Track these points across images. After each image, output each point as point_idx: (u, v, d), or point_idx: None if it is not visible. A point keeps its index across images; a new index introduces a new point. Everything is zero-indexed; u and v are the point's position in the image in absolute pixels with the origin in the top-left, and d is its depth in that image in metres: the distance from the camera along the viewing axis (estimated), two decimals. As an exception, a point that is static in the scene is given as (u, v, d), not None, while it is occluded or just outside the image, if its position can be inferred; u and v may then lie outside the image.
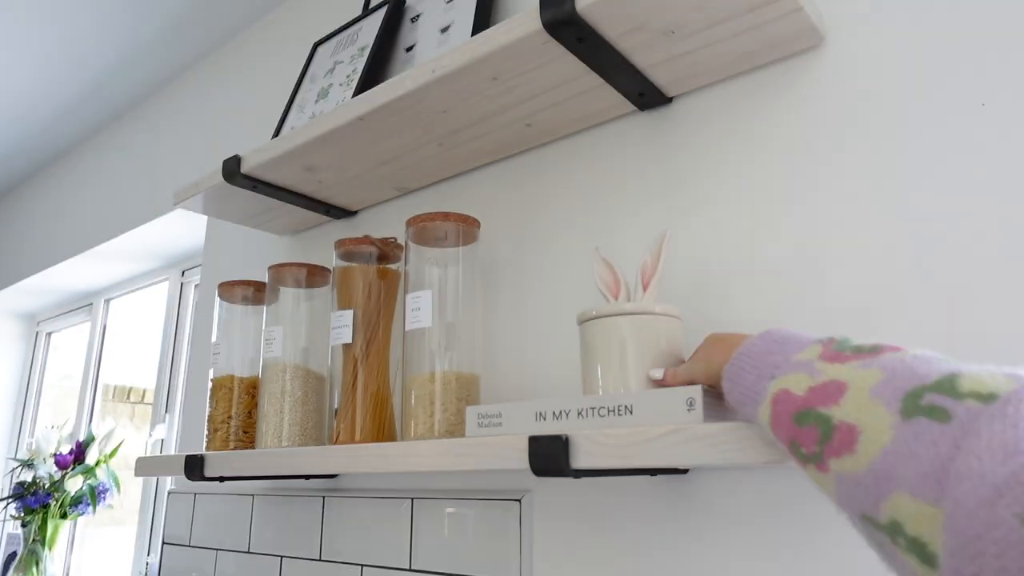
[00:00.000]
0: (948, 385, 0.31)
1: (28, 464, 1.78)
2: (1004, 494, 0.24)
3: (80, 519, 1.98)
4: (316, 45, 1.31)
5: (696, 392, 0.53)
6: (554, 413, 0.60)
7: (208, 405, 1.03)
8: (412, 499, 0.95)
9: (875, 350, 0.38)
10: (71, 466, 1.76)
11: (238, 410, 1.01)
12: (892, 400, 0.33)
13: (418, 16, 1.15)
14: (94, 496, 1.75)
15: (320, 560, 1.05)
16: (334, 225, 1.23)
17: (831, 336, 0.43)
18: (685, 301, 0.76)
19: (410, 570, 0.92)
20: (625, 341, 0.63)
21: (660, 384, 0.60)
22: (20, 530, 1.80)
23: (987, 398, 0.29)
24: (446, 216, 0.84)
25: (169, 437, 1.79)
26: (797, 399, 0.39)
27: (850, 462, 0.33)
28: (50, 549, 1.74)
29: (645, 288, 0.67)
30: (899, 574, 0.32)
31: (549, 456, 0.54)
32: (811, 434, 0.37)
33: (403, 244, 0.88)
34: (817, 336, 0.44)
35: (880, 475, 0.31)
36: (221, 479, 0.90)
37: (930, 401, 0.31)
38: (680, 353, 0.66)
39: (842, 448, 0.34)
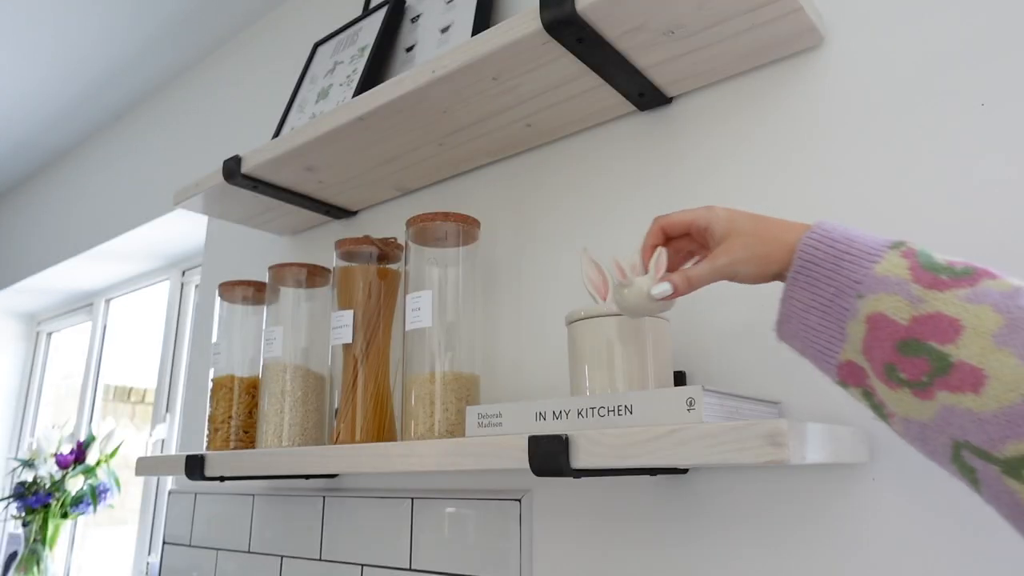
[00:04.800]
0: None
1: (29, 464, 1.78)
2: None
3: (81, 519, 1.98)
4: (316, 45, 1.31)
5: (696, 392, 0.53)
6: (554, 413, 0.60)
7: (208, 405, 1.03)
8: (412, 499, 0.95)
9: (969, 274, 0.40)
10: (72, 466, 1.77)
11: (238, 410, 1.01)
12: None
13: (418, 16, 1.15)
14: (95, 496, 1.76)
15: (320, 560, 1.05)
16: (334, 225, 1.23)
17: (901, 240, 0.44)
18: (678, 301, 0.76)
19: (410, 570, 0.92)
20: (612, 342, 0.63)
21: (671, 298, 0.54)
22: (21, 530, 1.80)
23: None
24: (446, 216, 0.84)
25: (170, 437, 1.79)
26: (900, 327, 0.40)
27: (971, 400, 0.37)
28: (51, 549, 1.75)
29: None
30: (991, 498, 0.38)
31: (549, 456, 0.54)
32: (919, 364, 0.39)
33: (403, 244, 0.89)
34: (879, 236, 0.45)
35: (1017, 419, 0.36)
36: (222, 479, 0.90)
37: None
38: (668, 355, 0.66)
39: (962, 386, 0.38)
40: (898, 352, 0.41)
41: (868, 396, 0.45)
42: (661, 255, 0.55)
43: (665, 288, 0.53)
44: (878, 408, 0.45)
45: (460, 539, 0.88)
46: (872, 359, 0.42)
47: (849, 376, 0.46)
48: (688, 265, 0.59)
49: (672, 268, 0.57)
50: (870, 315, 0.42)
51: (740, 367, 0.71)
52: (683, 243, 0.58)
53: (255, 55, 1.62)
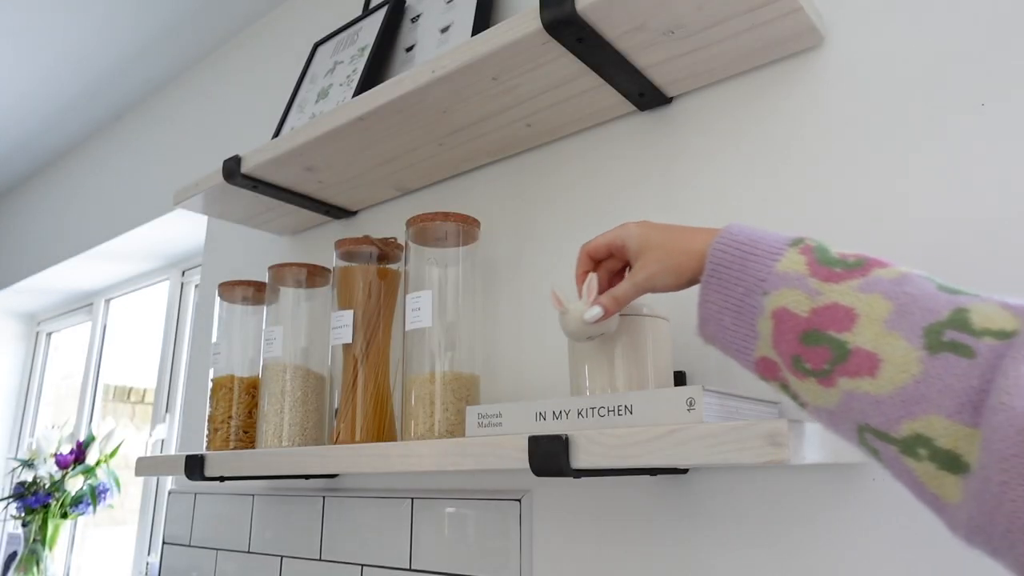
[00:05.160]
0: (962, 321, 0.37)
1: (28, 464, 1.78)
2: None
3: (80, 519, 1.98)
4: (316, 45, 1.31)
5: (696, 392, 0.53)
6: (554, 413, 0.60)
7: (208, 405, 1.03)
8: (412, 499, 0.95)
9: (861, 265, 0.43)
10: (71, 466, 1.76)
11: (238, 410, 1.01)
12: (912, 335, 0.38)
13: (418, 16, 1.15)
14: (94, 496, 1.76)
15: (320, 560, 1.05)
16: (334, 225, 1.23)
17: (800, 238, 0.47)
18: (678, 301, 0.76)
19: (410, 570, 0.92)
20: (612, 342, 0.63)
21: (604, 319, 0.58)
22: (20, 530, 1.80)
23: (999, 335, 0.36)
24: (446, 216, 0.84)
25: (169, 437, 1.79)
26: (801, 319, 0.43)
27: (868, 384, 0.39)
28: (50, 549, 1.75)
29: None
30: (896, 476, 0.40)
31: (549, 456, 0.54)
32: (821, 353, 0.41)
33: (403, 244, 0.89)
34: (781, 235, 0.47)
35: (909, 399, 0.37)
36: (221, 479, 0.90)
37: (952, 338, 0.37)
38: (668, 355, 0.66)
39: (860, 371, 0.39)
40: (801, 343, 0.43)
41: (785, 388, 0.47)
42: (591, 280, 0.59)
43: (596, 311, 0.58)
44: (795, 398, 0.46)
45: (460, 539, 0.88)
46: (781, 352, 0.44)
47: (766, 371, 0.47)
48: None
49: (608, 287, 0.61)
50: (775, 310, 0.44)
51: (740, 367, 0.71)
52: (612, 263, 0.61)
53: (255, 55, 1.62)
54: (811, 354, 0.42)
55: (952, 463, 0.36)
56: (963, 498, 0.35)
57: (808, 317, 0.42)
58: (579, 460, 0.54)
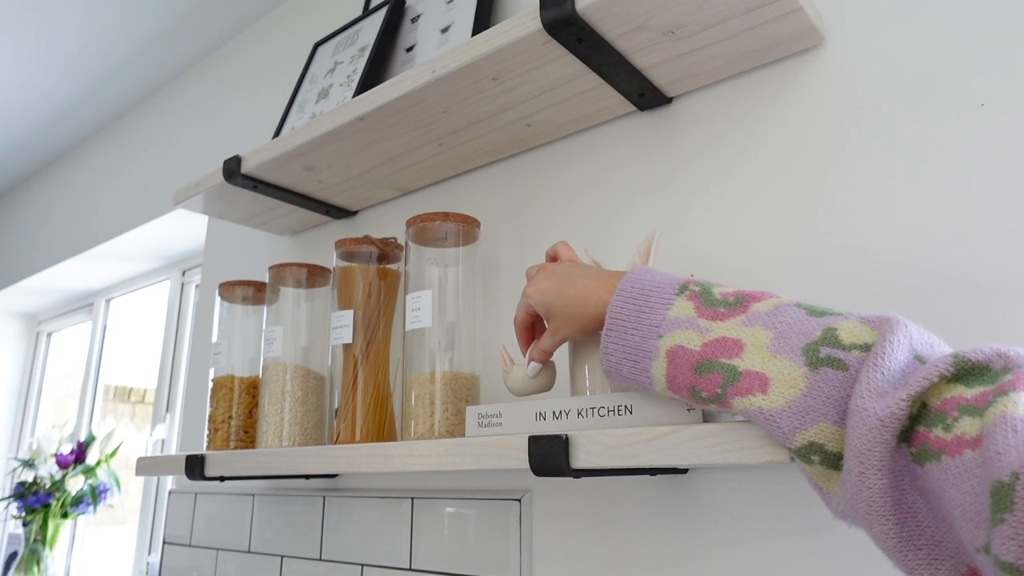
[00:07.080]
0: (832, 339, 0.43)
1: (29, 464, 1.78)
2: (886, 424, 0.36)
3: (81, 519, 1.98)
4: (316, 45, 1.31)
5: (696, 392, 0.53)
6: (554, 413, 0.60)
7: (208, 405, 1.03)
8: (412, 499, 0.95)
9: (741, 303, 0.48)
10: (72, 466, 1.77)
11: (239, 410, 1.01)
12: (794, 356, 0.43)
13: (418, 16, 1.15)
14: (95, 496, 1.76)
15: (320, 560, 1.05)
16: (334, 225, 1.23)
17: (685, 284, 0.52)
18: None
19: (410, 570, 0.93)
20: None
21: (542, 370, 0.64)
22: (21, 530, 1.81)
23: (864, 348, 0.41)
24: (446, 216, 0.84)
25: (170, 437, 1.80)
26: (694, 353, 0.48)
27: (761, 400, 0.43)
28: (51, 549, 1.75)
29: None
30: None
31: (549, 456, 0.54)
32: (714, 379, 0.46)
33: (403, 244, 0.89)
34: (667, 283, 0.52)
35: (800, 411, 0.42)
36: (222, 479, 0.90)
37: (827, 354, 0.42)
38: None
39: (752, 389, 0.44)
40: (695, 374, 0.47)
41: None
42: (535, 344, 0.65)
43: (534, 366, 0.64)
44: None
45: (460, 539, 0.88)
46: (678, 388, 0.48)
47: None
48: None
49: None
50: (669, 349, 0.49)
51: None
52: (540, 322, 0.67)
53: (255, 55, 1.62)
54: (705, 382, 0.46)
55: (839, 463, 0.41)
56: (839, 489, 0.41)
57: (700, 351, 0.47)
58: (579, 460, 0.54)
